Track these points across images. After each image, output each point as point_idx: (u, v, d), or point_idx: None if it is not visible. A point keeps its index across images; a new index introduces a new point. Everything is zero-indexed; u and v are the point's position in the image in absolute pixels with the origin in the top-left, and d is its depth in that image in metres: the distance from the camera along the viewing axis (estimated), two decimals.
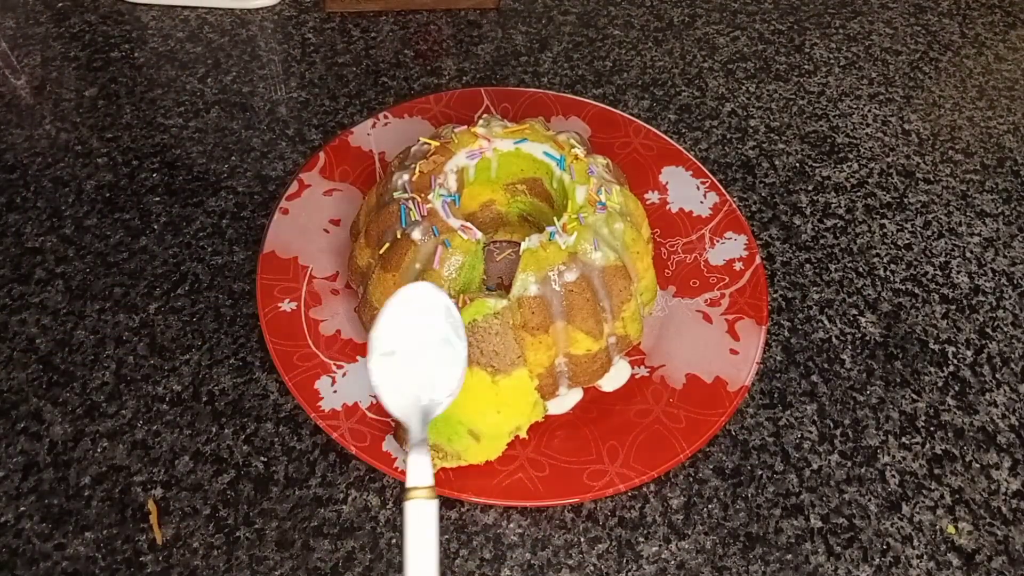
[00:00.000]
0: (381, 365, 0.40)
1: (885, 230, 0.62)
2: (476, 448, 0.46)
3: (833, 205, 0.63)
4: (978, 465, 0.50)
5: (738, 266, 0.56)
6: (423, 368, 0.41)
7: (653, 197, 0.60)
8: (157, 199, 0.60)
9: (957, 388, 0.54)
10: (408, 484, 0.37)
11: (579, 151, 0.52)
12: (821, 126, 0.69)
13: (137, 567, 0.44)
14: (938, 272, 0.60)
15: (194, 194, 0.61)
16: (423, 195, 0.49)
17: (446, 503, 0.47)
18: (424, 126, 0.63)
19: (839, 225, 0.62)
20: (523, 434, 0.47)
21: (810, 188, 0.64)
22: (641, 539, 0.46)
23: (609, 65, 0.73)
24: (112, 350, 0.52)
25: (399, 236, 0.48)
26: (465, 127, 0.54)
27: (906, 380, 0.54)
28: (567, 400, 0.50)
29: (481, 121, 0.54)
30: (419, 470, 0.37)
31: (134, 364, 0.52)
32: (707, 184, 0.61)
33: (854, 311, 0.57)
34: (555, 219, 0.49)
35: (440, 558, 0.45)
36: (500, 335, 0.45)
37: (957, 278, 0.59)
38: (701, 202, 0.60)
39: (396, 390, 0.41)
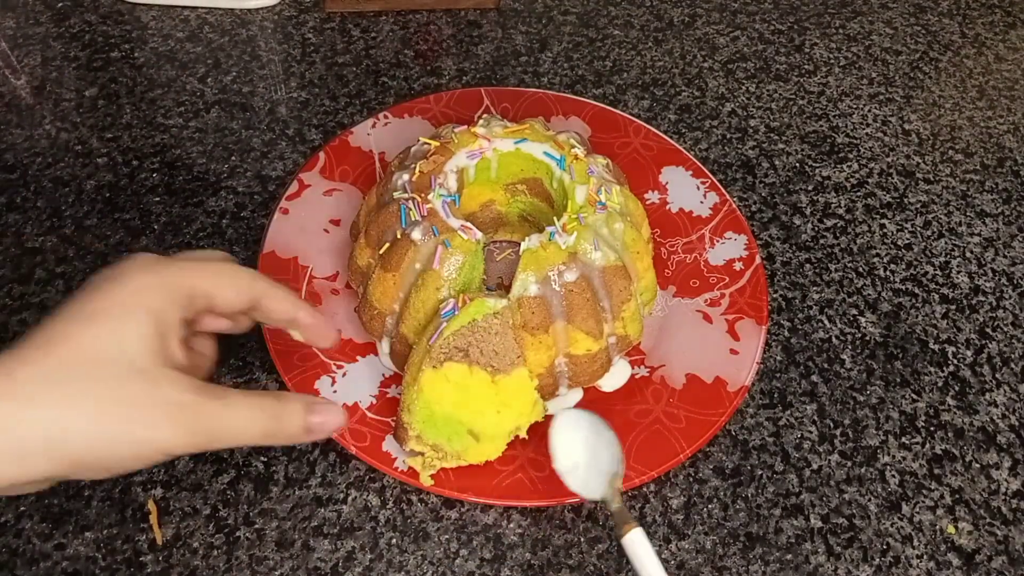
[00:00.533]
0: (573, 478, 0.45)
1: (885, 230, 0.62)
2: (476, 448, 0.45)
3: (833, 205, 0.63)
4: (978, 465, 0.50)
5: (738, 266, 0.56)
6: (599, 462, 0.45)
7: (653, 197, 0.60)
8: (157, 199, 0.60)
9: (957, 388, 0.54)
10: (622, 523, 0.41)
11: (579, 151, 0.52)
12: (821, 126, 0.69)
13: (137, 567, 0.44)
14: (938, 272, 0.60)
15: (194, 194, 0.61)
16: (423, 195, 0.49)
17: (446, 503, 0.47)
18: (424, 126, 0.63)
19: (839, 225, 0.62)
20: (523, 434, 0.47)
21: (810, 188, 0.64)
22: None
23: (609, 65, 0.73)
24: None
25: (399, 236, 0.48)
26: (465, 127, 0.54)
27: (906, 380, 0.54)
28: (567, 400, 0.50)
29: (481, 121, 0.54)
30: (624, 514, 0.42)
31: None
32: (707, 184, 0.61)
33: (854, 311, 0.57)
34: (555, 219, 0.49)
35: (441, 557, 0.45)
36: (500, 335, 0.45)
37: (957, 278, 0.59)
38: (701, 202, 0.60)
39: (592, 488, 0.44)
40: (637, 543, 0.40)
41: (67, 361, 0.33)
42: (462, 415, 0.45)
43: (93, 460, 0.33)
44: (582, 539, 0.46)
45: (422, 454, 0.45)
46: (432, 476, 0.45)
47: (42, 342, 0.33)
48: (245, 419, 0.35)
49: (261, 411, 0.36)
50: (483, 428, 0.45)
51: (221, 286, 0.38)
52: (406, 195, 0.49)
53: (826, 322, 0.56)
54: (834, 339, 0.55)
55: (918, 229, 0.62)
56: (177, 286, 0.37)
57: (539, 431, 0.49)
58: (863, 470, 0.50)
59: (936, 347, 0.56)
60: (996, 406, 0.53)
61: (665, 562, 0.45)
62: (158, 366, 0.34)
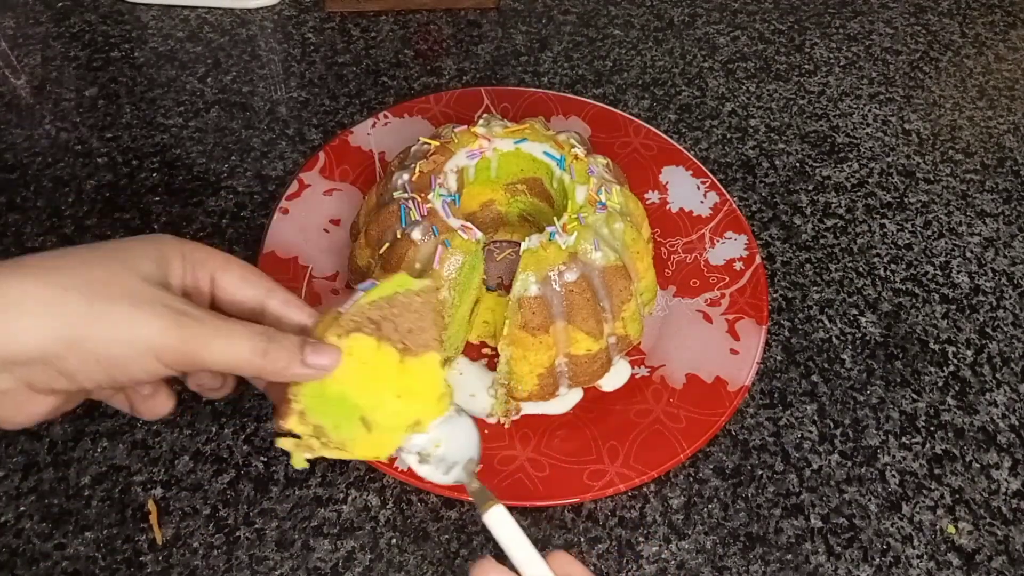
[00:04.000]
0: (425, 469, 0.42)
1: (885, 230, 0.62)
2: (365, 440, 0.39)
3: (833, 205, 0.63)
4: (978, 465, 0.50)
5: (738, 266, 0.56)
6: (454, 447, 0.42)
7: (653, 197, 0.60)
8: (157, 199, 0.60)
9: (957, 388, 0.54)
10: (482, 502, 0.39)
11: (579, 151, 0.52)
12: (821, 126, 0.69)
13: (137, 567, 0.44)
14: (938, 272, 0.60)
15: (194, 194, 0.61)
16: (423, 195, 0.49)
17: (446, 503, 0.47)
18: (424, 126, 0.63)
19: (839, 225, 0.62)
20: (424, 430, 0.41)
21: (810, 188, 0.64)
22: (641, 539, 0.46)
23: (609, 65, 0.73)
24: None
25: (399, 236, 0.48)
26: (465, 127, 0.54)
27: (906, 380, 0.54)
28: (567, 400, 0.50)
29: (481, 121, 0.54)
30: (483, 492, 0.39)
31: None
32: (707, 184, 0.61)
33: (854, 311, 0.57)
34: (555, 219, 0.49)
35: (441, 557, 0.45)
36: (419, 314, 0.40)
37: (957, 278, 0.59)
38: (701, 202, 0.60)
39: (450, 474, 0.42)
40: (499, 520, 0.38)
41: (70, 255, 0.34)
42: (358, 397, 0.39)
43: (84, 340, 0.32)
44: (582, 539, 0.46)
45: (299, 436, 0.38)
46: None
47: (50, 251, 0.34)
48: (239, 334, 0.34)
49: (255, 331, 0.35)
50: (378, 417, 0.39)
51: (230, 268, 0.38)
52: (406, 195, 0.49)
53: (826, 322, 0.56)
54: (834, 339, 0.55)
55: (918, 229, 0.62)
56: (190, 248, 0.37)
57: (541, 427, 0.49)
58: (863, 470, 0.50)
59: (936, 347, 0.56)
60: (996, 406, 0.53)
61: (665, 562, 0.45)
62: (158, 282, 0.35)
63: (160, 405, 0.38)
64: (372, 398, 0.39)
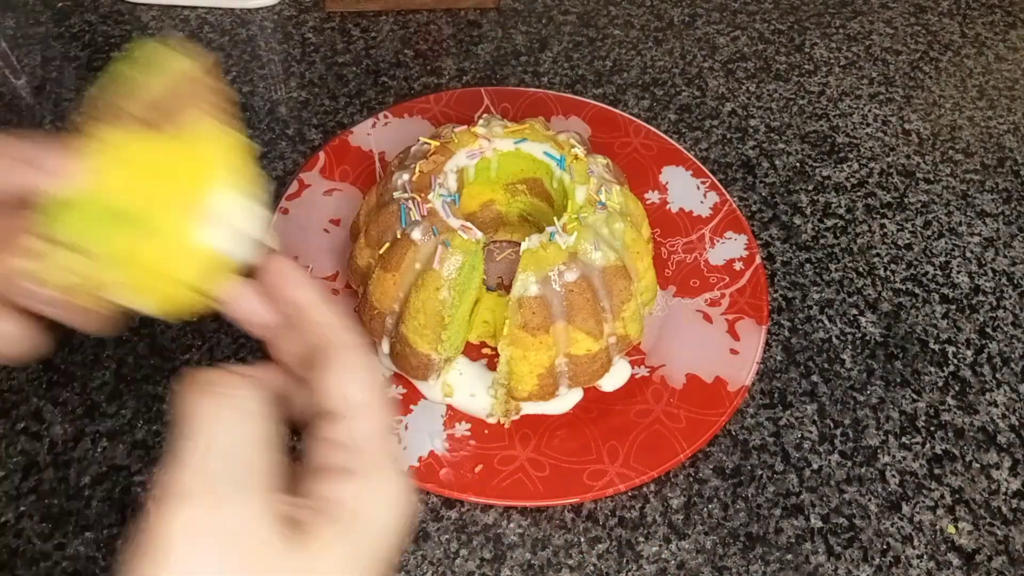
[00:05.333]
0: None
1: (885, 230, 0.62)
2: (150, 247, 0.28)
3: (833, 205, 0.63)
4: (978, 465, 0.50)
5: (738, 266, 0.56)
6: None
7: (653, 197, 0.60)
8: None
9: (957, 388, 0.54)
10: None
11: (579, 151, 0.52)
12: (821, 126, 0.69)
13: None
14: (938, 272, 0.60)
15: None
16: (423, 195, 0.49)
17: (446, 503, 0.47)
18: (424, 126, 0.63)
19: (839, 225, 0.62)
20: (202, 211, 0.29)
21: (810, 188, 0.64)
22: (641, 539, 0.46)
23: (609, 65, 0.73)
24: (112, 350, 0.52)
25: (399, 236, 0.48)
26: (465, 127, 0.54)
27: (906, 380, 0.54)
28: (567, 400, 0.50)
29: (481, 121, 0.54)
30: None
31: (134, 364, 0.52)
32: (707, 184, 0.61)
33: (854, 311, 0.57)
34: (555, 219, 0.49)
35: (441, 557, 0.45)
36: (191, 98, 0.30)
37: (957, 278, 0.59)
38: (701, 202, 0.60)
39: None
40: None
41: None
42: (118, 200, 0.28)
43: None
44: (582, 539, 0.46)
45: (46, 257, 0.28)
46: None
47: None
48: None
49: None
50: (159, 217, 0.28)
51: None
52: (406, 195, 0.49)
53: (826, 322, 0.56)
54: (834, 339, 0.55)
55: (918, 229, 0.62)
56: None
57: (541, 427, 0.49)
58: (863, 470, 0.50)
59: (936, 347, 0.56)
60: (996, 406, 0.53)
61: (665, 562, 0.45)
62: None
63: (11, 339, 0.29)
64: (137, 194, 0.28)
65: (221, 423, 0.26)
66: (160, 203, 0.28)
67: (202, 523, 0.23)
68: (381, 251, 0.49)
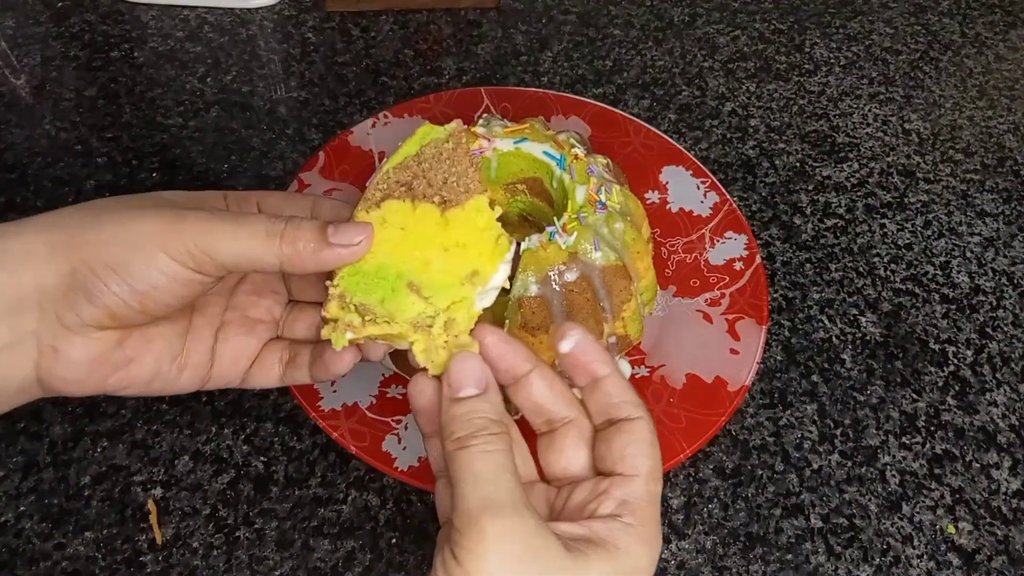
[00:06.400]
0: None
1: (885, 230, 0.62)
2: (418, 306, 0.35)
3: (833, 205, 0.63)
4: (978, 465, 0.50)
5: (738, 266, 0.56)
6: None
7: (653, 197, 0.60)
8: None
9: (957, 388, 0.54)
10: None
11: (579, 151, 0.52)
12: (821, 126, 0.69)
13: (137, 567, 0.44)
14: (938, 272, 0.60)
15: None
16: None
17: None
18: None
19: (839, 225, 0.62)
20: (484, 283, 0.36)
21: (810, 188, 0.64)
22: None
23: (609, 65, 0.73)
24: None
25: None
26: (465, 127, 0.54)
27: (906, 380, 0.54)
28: None
29: (481, 121, 0.54)
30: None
31: None
32: (707, 184, 0.61)
33: (854, 311, 0.57)
34: (555, 219, 0.49)
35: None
36: (451, 161, 0.36)
37: (957, 278, 0.59)
38: (701, 202, 0.60)
39: None
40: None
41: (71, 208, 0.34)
42: (400, 264, 0.35)
43: (85, 245, 0.32)
44: None
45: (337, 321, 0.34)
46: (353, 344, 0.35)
47: None
48: (252, 219, 0.32)
49: (271, 217, 0.33)
50: (427, 278, 0.35)
51: (272, 194, 0.38)
52: None
53: (826, 322, 0.56)
54: (834, 339, 0.55)
55: (918, 229, 0.62)
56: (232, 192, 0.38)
57: None
58: (863, 470, 0.50)
59: (936, 347, 0.56)
60: (996, 406, 0.53)
61: (665, 562, 0.45)
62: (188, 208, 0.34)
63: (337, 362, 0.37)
64: (416, 261, 0.35)
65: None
66: (433, 270, 0.35)
67: (509, 525, 0.28)
68: None
